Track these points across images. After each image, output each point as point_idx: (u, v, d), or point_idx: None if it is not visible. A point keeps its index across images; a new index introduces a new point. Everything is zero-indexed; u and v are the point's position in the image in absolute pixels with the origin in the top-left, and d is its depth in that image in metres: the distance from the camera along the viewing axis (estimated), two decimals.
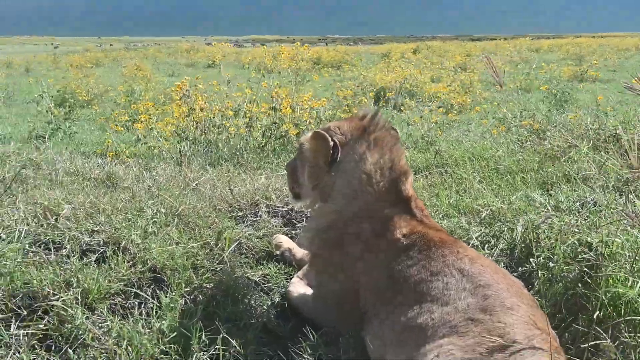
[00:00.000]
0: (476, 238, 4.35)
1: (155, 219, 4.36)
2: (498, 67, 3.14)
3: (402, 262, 3.19)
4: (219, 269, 4.10)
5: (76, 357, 3.07)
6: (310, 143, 3.58)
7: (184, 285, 3.78)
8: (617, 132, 6.98)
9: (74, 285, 3.50)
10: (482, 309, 2.76)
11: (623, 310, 3.02)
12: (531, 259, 3.89)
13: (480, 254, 3.44)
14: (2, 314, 3.29)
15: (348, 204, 3.47)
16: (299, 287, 3.93)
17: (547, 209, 4.55)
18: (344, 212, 3.48)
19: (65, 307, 3.27)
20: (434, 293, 2.95)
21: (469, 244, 4.07)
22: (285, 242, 4.52)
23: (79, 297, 3.43)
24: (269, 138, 8.13)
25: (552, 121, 8.39)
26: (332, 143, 3.48)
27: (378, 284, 3.24)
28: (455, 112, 12.84)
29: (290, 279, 4.10)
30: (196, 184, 5.51)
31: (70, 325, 3.22)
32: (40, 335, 3.19)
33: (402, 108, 13.41)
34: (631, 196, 4.79)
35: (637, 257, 3.16)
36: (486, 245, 4.29)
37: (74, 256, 3.80)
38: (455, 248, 3.18)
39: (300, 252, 4.37)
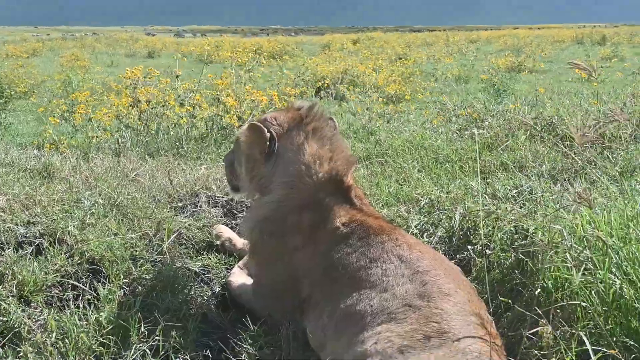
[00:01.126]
0: (415, 226, 4.39)
1: (93, 210, 4.30)
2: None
3: (342, 250, 3.20)
4: (158, 259, 4.06)
5: (10, 351, 3.02)
6: (246, 135, 3.57)
7: (122, 276, 3.75)
8: (553, 121, 7.13)
9: (9, 278, 3.43)
10: (420, 295, 2.78)
11: (561, 296, 3.07)
12: (469, 247, 3.95)
13: (419, 240, 3.48)
14: None
15: (287, 195, 3.46)
16: (239, 277, 3.92)
17: (485, 197, 4.61)
18: (283, 202, 3.46)
19: None
20: (372, 279, 2.97)
21: (408, 232, 4.10)
22: (226, 232, 4.49)
23: (14, 290, 3.37)
24: (211, 129, 8.07)
25: (490, 110, 8.52)
26: (268, 134, 3.47)
27: (317, 273, 3.25)
28: (394, 102, 12.95)
29: (231, 269, 4.09)
30: (135, 175, 5.44)
31: (4, 319, 3.16)
32: None
33: (343, 98, 13.45)
34: (566, 183, 4.90)
35: (576, 243, 3.22)
36: (425, 234, 4.33)
37: (9, 248, 3.73)
38: (393, 235, 3.20)
39: (240, 242, 4.35)
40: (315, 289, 3.24)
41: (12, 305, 3.21)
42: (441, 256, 3.33)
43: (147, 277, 3.78)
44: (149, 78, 8.49)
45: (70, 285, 3.62)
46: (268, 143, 3.47)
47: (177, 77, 8.74)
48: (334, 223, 3.32)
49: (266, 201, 3.54)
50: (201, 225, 4.64)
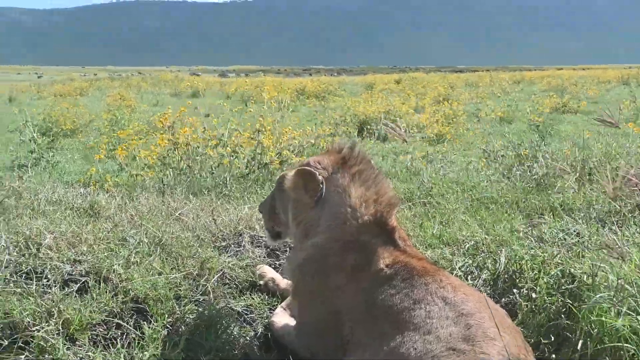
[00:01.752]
0: (459, 268, 4.35)
1: (138, 249, 4.34)
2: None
3: (385, 291, 3.17)
4: (202, 299, 4.08)
5: None
6: (294, 180, 3.58)
7: (166, 315, 3.75)
8: (594, 165, 7.05)
9: (55, 316, 3.46)
10: (465, 338, 2.74)
11: (608, 340, 3.02)
12: (514, 290, 3.90)
13: (463, 282, 3.44)
14: None
15: (332, 237, 3.45)
16: (282, 317, 3.91)
17: (531, 240, 4.56)
18: (327, 244, 3.46)
19: (46, 337, 3.24)
20: (416, 321, 2.93)
21: (452, 274, 4.06)
22: (269, 272, 4.50)
23: (60, 328, 3.40)
24: (252, 167, 8.13)
25: (539, 150, 8.45)
26: (320, 178, 3.50)
27: (360, 312, 3.22)
28: (438, 142, 12.93)
29: (274, 309, 4.08)
30: (179, 214, 5.49)
31: (51, 357, 3.19)
32: None
33: (385, 138, 13.46)
34: (614, 227, 4.82)
35: (620, 287, 3.17)
36: (469, 276, 4.29)
37: (55, 286, 3.76)
38: (437, 276, 3.17)
39: (283, 283, 4.35)
40: (358, 327, 3.20)
41: (59, 343, 3.24)
42: (486, 299, 3.28)
43: (191, 317, 3.79)
44: (190, 118, 8.60)
45: (115, 324, 3.64)
46: (320, 186, 3.49)
47: (207, 115, 8.79)
48: (378, 265, 3.29)
49: (310, 243, 3.54)
50: (244, 265, 4.64)
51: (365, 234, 3.40)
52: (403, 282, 3.17)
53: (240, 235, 5.17)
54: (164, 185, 7.44)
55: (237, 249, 4.95)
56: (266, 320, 4.01)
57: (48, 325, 3.35)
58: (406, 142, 11.24)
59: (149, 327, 3.52)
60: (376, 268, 3.29)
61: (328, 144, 4.17)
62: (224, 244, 5.02)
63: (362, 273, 3.31)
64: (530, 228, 4.91)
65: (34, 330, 3.30)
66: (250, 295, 4.32)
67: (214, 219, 5.35)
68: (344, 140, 3.77)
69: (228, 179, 7.64)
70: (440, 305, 2.97)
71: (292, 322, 3.79)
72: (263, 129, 8.56)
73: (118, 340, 3.50)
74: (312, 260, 3.50)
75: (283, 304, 4.11)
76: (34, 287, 3.73)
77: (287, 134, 8.92)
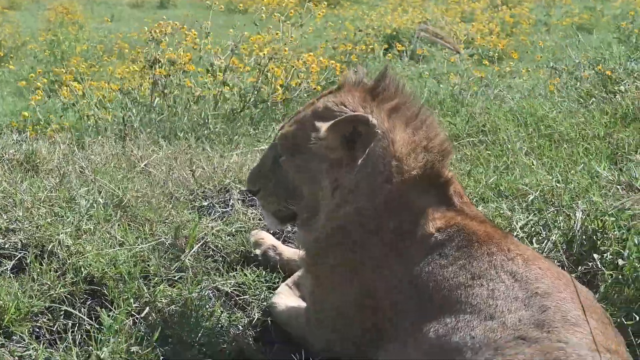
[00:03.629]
0: (521, 228, 4.35)
1: (91, 213, 4.35)
2: None
3: (435, 262, 3.17)
4: (177, 277, 4.10)
5: None
6: (332, 135, 3.38)
7: (132, 300, 3.78)
8: None
9: None
10: (538, 324, 2.75)
11: None
12: (595, 255, 3.89)
13: (537, 253, 3.42)
14: None
15: (369, 199, 3.40)
16: (288, 298, 3.92)
17: (617, 189, 4.55)
18: (363, 208, 3.40)
19: None
20: (475, 302, 2.94)
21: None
22: (268, 238, 4.47)
23: None
24: (247, 103, 8.05)
25: (628, 70, 8.33)
26: (378, 127, 3.35)
27: (401, 293, 3.23)
28: (493, 61, 12.81)
29: (275, 288, 4.10)
30: (145, 165, 5.48)
31: None
32: None
33: (423, 58, 13.35)
34: None
35: None
36: (535, 238, 4.28)
37: None
38: (504, 244, 3.17)
39: (288, 251, 4.34)
40: (398, 313, 3.21)
41: None
42: (566, 275, 3.23)
43: (164, 301, 3.82)
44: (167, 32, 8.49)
45: (62, 312, 3.67)
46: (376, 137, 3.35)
47: (207, 35, 8.70)
48: (426, 228, 3.28)
49: (343, 213, 3.44)
50: (233, 230, 4.65)
51: (412, 190, 3.37)
52: (459, 251, 3.17)
53: (228, 191, 5.17)
54: (125, 127, 7.38)
55: (224, 210, 4.95)
56: (265, 303, 4.02)
57: None
58: (459, 54, 11.07)
59: (109, 316, 3.53)
60: (424, 233, 3.28)
61: (340, 77, 4.01)
62: (205, 203, 5.02)
63: (406, 241, 3.31)
64: (616, 172, 4.89)
65: None
66: (242, 270, 4.31)
67: (191, 171, 5.35)
68: (360, 70, 3.69)
69: (210, 117, 7.59)
70: (508, 283, 2.97)
71: (302, 304, 3.79)
72: (261, 51, 8.43)
73: (68, 333, 3.52)
74: (342, 229, 3.45)
75: (289, 280, 4.11)
76: None
77: (299, 58, 8.76)
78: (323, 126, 3.37)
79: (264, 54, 8.35)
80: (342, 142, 3.36)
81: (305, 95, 8.35)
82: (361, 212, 3.40)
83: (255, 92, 8.13)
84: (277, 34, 8.89)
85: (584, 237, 4.13)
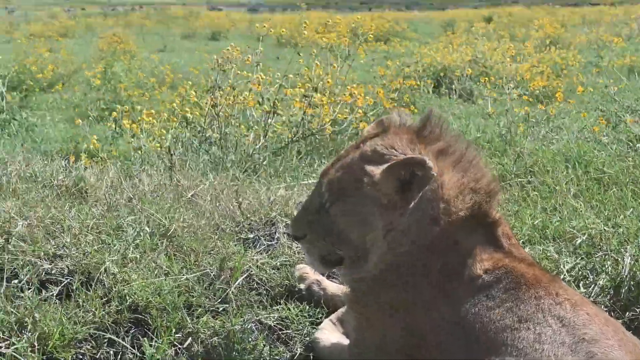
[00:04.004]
0: (568, 272, 4.31)
1: (137, 242, 4.37)
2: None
3: (481, 303, 3.16)
4: (221, 309, 4.10)
5: None
6: (386, 177, 3.32)
7: (174, 330, 3.78)
8: None
9: (29, 328, 3.51)
10: None
11: None
12: None
13: (586, 298, 3.39)
14: None
15: (419, 241, 3.37)
16: (330, 334, 3.90)
17: None
18: (414, 250, 3.37)
19: (16, 356, 3.29)
20: (521, 346, 2.92)
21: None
22: (312, 273, 4.45)
23: (36, 344, 3.44)
24: (297, 135, 8.05)
25: None
26: (431, 165, 3.24)
27: (448, 334, 3.21)
28: (542, 102, 12.77)
29: (319, 323, 4.08)
30: (192, 196, 5.51)
31: None
32: None
33: (472, 96, 13.36)
34: None
35: None
36: (582, 282, 4.25)
37: (29, 289, 3.81)
38: (552, 288, 3.14)
39: (333, 286, 4.34)
40: (443, 352, 3.20)
41: None
42: (614, 321, 3.21)
43: (207, 332, 3.82)
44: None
45: (106, 340, 3.68)
46: (420, 180, 3.27)
47: (257, 65, 8.72)
48: (474, 270, 3.27)
49: (392, 255, 3.41)
50: (279, 263, 4.65)
51: (460, 231, 3.35)
52: (506, 293, 3.15)
53: (273, 224, 5.18)
54: (171, 156, 7.42)
55: (269, 243, 4.96)
56: (307, 338, 4.02)
57: (19, 341, 3.40)
58: (508, 93, 11.10)
59: (151, 345, 3.55)
60: (471, 274, 3.26)
61: (378, 119, 3.90)
62: (251, 236, 5.03)
63: (453, 282, 3.29)
64: None
65: (0, 347, 3.35)
66: (286, 304, 4.32)
67: (238, 203, 5.36)
68: (401, 112, 3.67)
69: (260, 150, 7.61)
70: (555, 327, 2.95)
71: (345, 340, 3.78)
72: (313, 85, 8.42)
73: None
74: (393, 269, 3.42)
75: (333, 316, 4.09)
76: (2, 290, 3.80)
77: (348, 93, 8.75)
78: (376, 170, 3.33)
79: (314, 87, 8.36)
80: (396, 185, 3.31)
81: (351, 130, 8.37)
82: (412, 253, 3.37)
83: (303, 126, 8.13)
84: (333, 66, 8.91)
85: (632, 282, 4.09)
